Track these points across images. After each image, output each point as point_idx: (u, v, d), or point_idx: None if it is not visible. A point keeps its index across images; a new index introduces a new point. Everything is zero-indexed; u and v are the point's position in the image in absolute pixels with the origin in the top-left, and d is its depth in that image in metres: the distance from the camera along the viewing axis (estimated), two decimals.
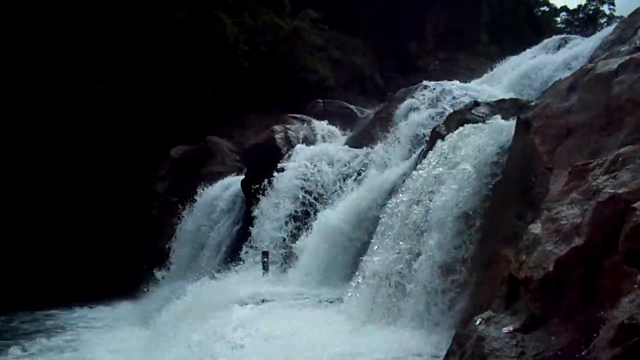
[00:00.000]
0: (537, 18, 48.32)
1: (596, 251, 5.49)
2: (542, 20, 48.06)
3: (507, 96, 12.95)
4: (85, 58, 22.50)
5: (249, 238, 16.80)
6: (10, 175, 20.31)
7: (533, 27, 41.57)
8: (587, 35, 16.31)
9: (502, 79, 16.59)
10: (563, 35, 18.35)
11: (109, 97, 22.64)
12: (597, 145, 7.24)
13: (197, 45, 24.68)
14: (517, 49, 19.17)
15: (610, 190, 5.70)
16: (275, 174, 17.32)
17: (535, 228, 6.35)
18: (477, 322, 6.31)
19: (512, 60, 18.14)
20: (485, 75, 18.67)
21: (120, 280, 19.69)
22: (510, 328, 5.88)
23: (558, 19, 55.47)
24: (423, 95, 16.27)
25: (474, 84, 17.17)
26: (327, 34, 31.80)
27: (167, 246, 20.37)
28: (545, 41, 17.39)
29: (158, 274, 19.89)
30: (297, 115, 20.75)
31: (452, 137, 10.47)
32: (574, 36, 17.91)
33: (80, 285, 19.71)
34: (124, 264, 20.52)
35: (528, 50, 17.59)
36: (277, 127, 19.28)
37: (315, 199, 16.48)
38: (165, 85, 23.99)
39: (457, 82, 16.64)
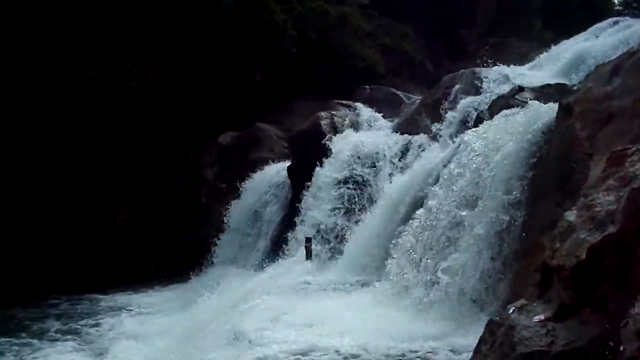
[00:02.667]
0: (593, 1, 46.98)
1: (630, 239, 5.34)
2: (598, 3, 46.66)
3: (553, 81, 12.73)
4: (136, 46, 22.72)
5: (294, 224, 16.85)
6: (62, 165, 20.65)
7: (588, 11, 40.40)
8: None
9: (550, 64, 16.25)
10: (615, 18, 17.80)
11: (158, 84, 22.78)
12: None
13: (245, 31, 24.66)
14: (571, 34, 18.70)
15: None
16: (321, 160, 17.32)
17: (571, 215, 6.20)
18: (510, 311, 6.21)
19: (563, 44, 17.75)
20: (534, 60, 18.28)
21: (169, 267, 19.88)
22: (542, 317, 5.78)
23: (615, 1, 53.75)
24: (470, 81, 16.02)
25: (522, 69, 16.85)
26: (376, 21, 31.55)
27: (215, 232, 20.51)
28: (597, 25, 16.97)
29: (206, 260, 20.06)
30: (343, 102, 20.66)
31: (493, 121, 10.33)
32: (627, 18, 17.39)
33: (129, 271, 19.94)
34: (173, 250, 20.69)
35: (579, 35, 17.20)
36: (322, 114, 19.20)
37: (362, 187, 16.41)
38: (214, 71, 24.04)
39: (505, 67, 16.36)
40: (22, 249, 19.25)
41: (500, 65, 16.65)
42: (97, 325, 15.43)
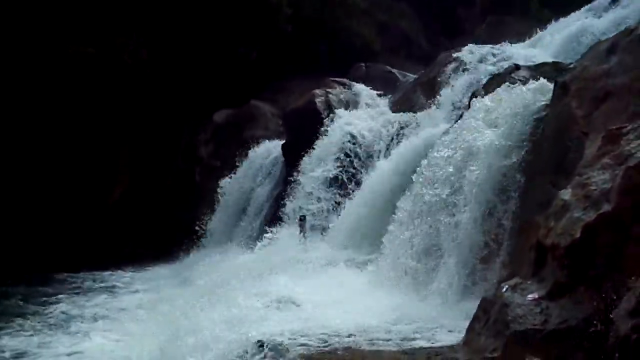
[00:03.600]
0: None
1: (625, 218, 5.30)
2: None
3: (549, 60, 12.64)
4: (130, 23, 22.48)
5: (288, 202, 16.80)
6: (58, 142, 20.48)
7: None
8: None
9: (547, 43, 16.16)
10: None
11: (154, 61, 22.61)
12: (637, 109, 6.96)
13: (240, 9, 24.48)
14: (570, 12, 18.55)
15: None
16: (316, 138, 17.26)
17: (565, 194, 6.16)
18: (504, 289, 6.19)
19: (560, 23, 17.64)
20: (531, 39, 18.18)
21: (163, 245, 19.83)
22: (536, 295, 5.76)
23: None
24: (465, 59, 15.94)
25: (519, 47, 16.75)
26: None
27: (209, 210, 20.47)
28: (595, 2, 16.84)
29: (199, 238, 20.02)
30: (339, 79, 20.59)
31: (488, 98, 10.22)
32: None
33: (124, 249, 19.86)
34: (167, 229, 20.64)
35: (575, 13, 17.07)
36: (317, 91, 19.14)
37: (356, 164, 16.38)
38: (210, 49, 23.85)
39: (501, 46, 16.27)
40: (11, 227, 19.11)
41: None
42: (63, 305, 14.61)
